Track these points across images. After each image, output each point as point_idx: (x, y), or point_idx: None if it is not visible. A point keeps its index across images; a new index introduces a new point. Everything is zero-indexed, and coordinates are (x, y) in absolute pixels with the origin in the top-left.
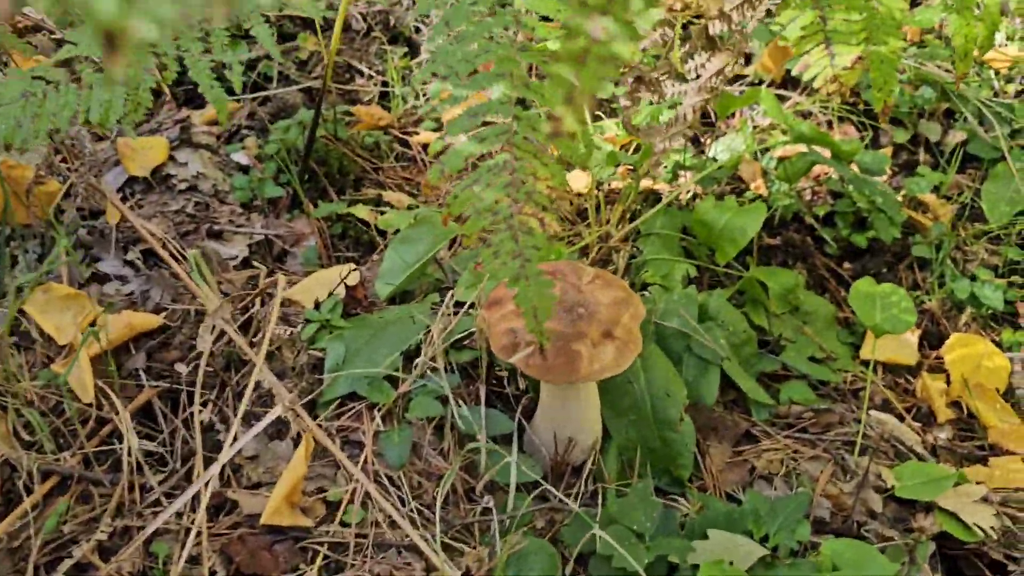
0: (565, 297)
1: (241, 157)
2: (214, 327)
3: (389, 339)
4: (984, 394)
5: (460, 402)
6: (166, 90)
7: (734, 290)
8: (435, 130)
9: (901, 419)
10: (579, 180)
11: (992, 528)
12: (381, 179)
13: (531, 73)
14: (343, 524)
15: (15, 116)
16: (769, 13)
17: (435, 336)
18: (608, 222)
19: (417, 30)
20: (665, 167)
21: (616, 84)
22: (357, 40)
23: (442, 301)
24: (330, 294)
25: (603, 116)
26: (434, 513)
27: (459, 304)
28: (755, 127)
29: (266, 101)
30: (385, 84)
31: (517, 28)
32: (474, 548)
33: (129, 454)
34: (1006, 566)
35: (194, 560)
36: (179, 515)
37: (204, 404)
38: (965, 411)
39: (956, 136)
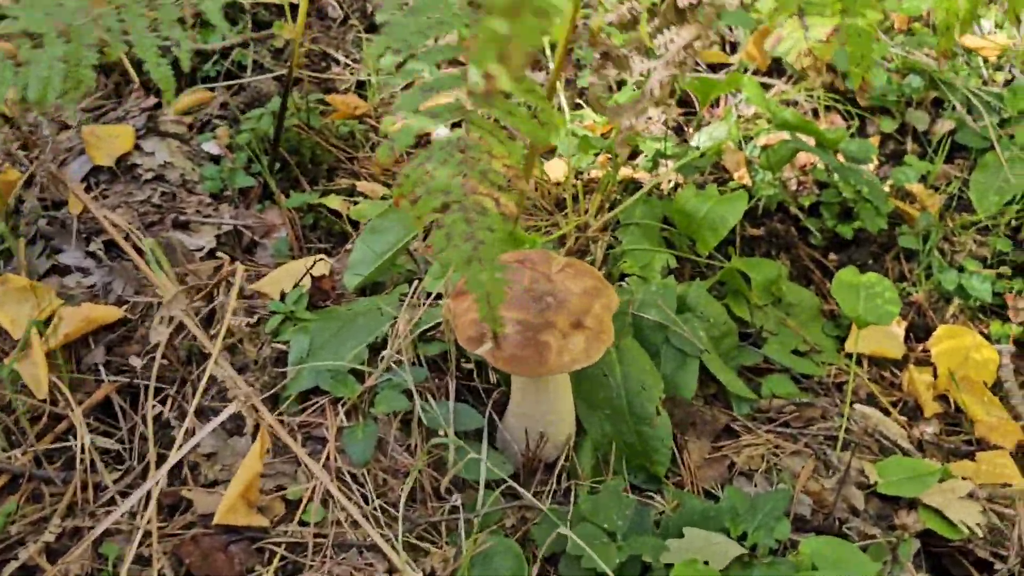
0: (534, 286)
1: (212, 146)
2: (172, 318)
3: (356, 332)
4: (971, 387)
5: (428, 396)
6: (135, 78)
7: (714, 281)
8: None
9: (887, 413)
10: (557, 169)
11: (978, 525)
12: (356, 169)
13: None
14: (302, 523)
15: None
16: None
17: (401, 328)
18: (587, 212)
19: None
20: (646, 156)
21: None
22: (334, 28)
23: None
24: (296, 285)
25: (583, 105)
26: (399, 512)
27: (429, 295)
28: (740, 116)
29: (240, 90)
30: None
31: None
32: (440, 548)
33: (83, 451)
34: (992, 564)
35: (145, 561)
36: (132, 515)
37: (163, 400)
38: (952, 405)
39: (944, 125)
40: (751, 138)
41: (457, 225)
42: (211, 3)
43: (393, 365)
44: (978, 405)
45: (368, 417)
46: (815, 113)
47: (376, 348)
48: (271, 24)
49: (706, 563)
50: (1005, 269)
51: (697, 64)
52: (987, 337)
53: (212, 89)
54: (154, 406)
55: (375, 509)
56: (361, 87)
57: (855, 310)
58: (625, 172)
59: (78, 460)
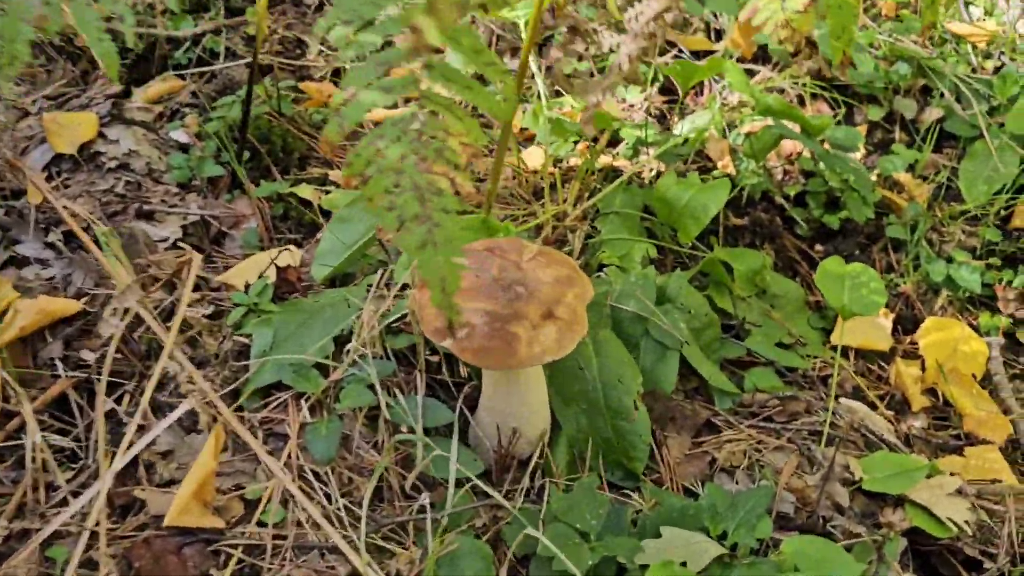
0: (503, 275)
1: (180, 135)
2: (126, 311)
3: (322, 324)
4: (960, 380)
5: (396, 391)
6: (102, 65)
7: (696, 271)
8: None
9: (873, 407)
10: (535, 157)
11: (967, 522)
12: (328, 158)
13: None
14: (261, 524)
15: None
16: None
17: (366, 320)
18: (565, 200)
19: None
20: (626, 143)
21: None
22: (309, 14)
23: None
24: (260, 276)
25: (563, 92)
26: (363, 511)
27: (398, 285)
28: (724, 104)
29: (212, 78)
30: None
31: None
32: (407, 549)
33: (34, 450)
34: (981, 563)
35: (93, 565)
36: (84, 516)
37: (120, 396)
38: (940, 399)
39: (932, 113)
40: (735, 126)
41: (409, 206)
42: None
43: (358, 359)
44: (967, 399)
45: (333, 413)
46: (801, 100)
47: (342, 341)
48: (244, 11)
49: (684, 564)
50: (995, 259)
51: (680, 51)
52: (976, 329)
53: (183, 77)
54: (106, 402)
55: (338, 509)
56: (337, 75)
57: (840, 300)
58: (605, 160)
59: (28, 459)
